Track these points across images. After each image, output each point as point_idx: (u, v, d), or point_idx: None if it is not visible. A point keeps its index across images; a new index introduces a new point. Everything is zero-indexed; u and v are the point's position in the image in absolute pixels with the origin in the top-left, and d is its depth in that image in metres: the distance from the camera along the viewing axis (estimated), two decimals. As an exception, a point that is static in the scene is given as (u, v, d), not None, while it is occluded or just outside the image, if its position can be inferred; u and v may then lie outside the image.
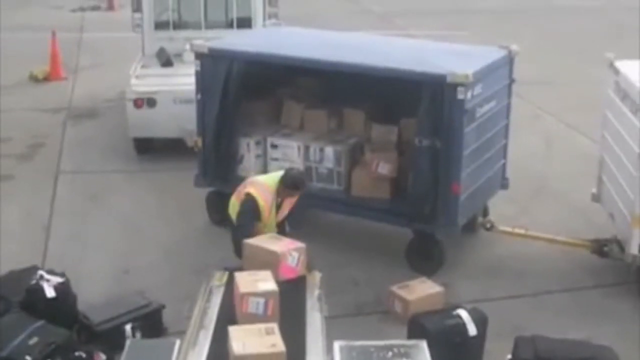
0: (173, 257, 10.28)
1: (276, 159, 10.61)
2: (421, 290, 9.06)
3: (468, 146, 9.45)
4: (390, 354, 5.92)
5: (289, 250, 7.31)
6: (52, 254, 10.25)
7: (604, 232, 10.09)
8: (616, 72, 9.95)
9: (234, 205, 8.47)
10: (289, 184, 8.33)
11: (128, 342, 6.70)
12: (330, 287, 7.51)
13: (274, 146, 10.69)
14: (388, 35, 13.14)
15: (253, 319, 6.29)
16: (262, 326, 6.02)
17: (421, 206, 9.53)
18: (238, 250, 7.84)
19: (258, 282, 6.55)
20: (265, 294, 6.42)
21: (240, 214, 8.25)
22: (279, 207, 8.40)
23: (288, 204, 8.48)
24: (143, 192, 12.25)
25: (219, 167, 10.63)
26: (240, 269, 7.11)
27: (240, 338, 5.85)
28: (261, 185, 8.36)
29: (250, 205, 8.16)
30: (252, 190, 8.23)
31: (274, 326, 6.03)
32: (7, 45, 19.55)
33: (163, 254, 10.37)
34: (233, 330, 6.00)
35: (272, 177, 8.50)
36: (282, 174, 8.42)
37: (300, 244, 7.43)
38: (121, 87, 14.16)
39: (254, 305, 6.39)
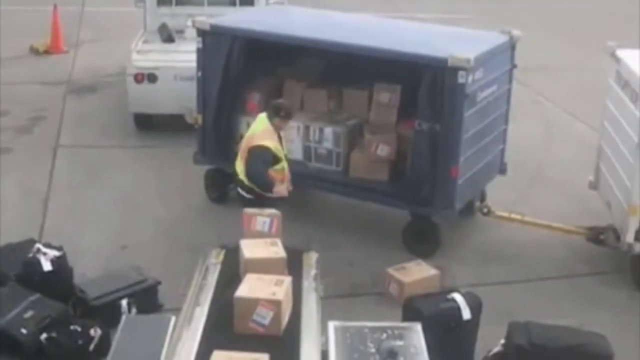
0: (170, 233, 10.30)
1: (275, 138, 10.62)
2: (417, 273, 9.10)
3: (467, 130, 9.45)
4: (384, 335, 5.93)
5: None
6: (50, 227, 10.28)
7: (601, 220, 10.11)
8: (617, 60, 9.93)
9: (240, 164, 8.79)
10: (282, 114, 8.80)
11: (123, 318, 6.73)
12: (326, 267, 7.50)
13: (274, 125, 10.69)
14: (391, 18, 13.08)
15: (259, 235, 7.09)
16: (267, 240, 6.92)
17: (419, 189, 9.55)
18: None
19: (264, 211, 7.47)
20: (270, 215, 7.32)
21: (252, 162, 8.59)
22: (280, 140, 8.86)
23: (282, 134, 9.02)
24: (142, 168, 12.26)
25: (218, 145, 10.63)
26: (238, 247, 7.14)
27: (250, 247, 6.77)
28: (263, 133, 8.67)
29: (261, 154, 8.56)
30: (266, 142, 8.58)
31: (277, 240, 6.89)
32: (8, 18, 19.47)
33: (160, 230, 10.39)
34: (243, 243, 6.86)
35: (262, 120, 8.82)
36: (266, 113, 8.84)
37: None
38: (122, 62, 14.12)
39: (261, 224, 7.25)
